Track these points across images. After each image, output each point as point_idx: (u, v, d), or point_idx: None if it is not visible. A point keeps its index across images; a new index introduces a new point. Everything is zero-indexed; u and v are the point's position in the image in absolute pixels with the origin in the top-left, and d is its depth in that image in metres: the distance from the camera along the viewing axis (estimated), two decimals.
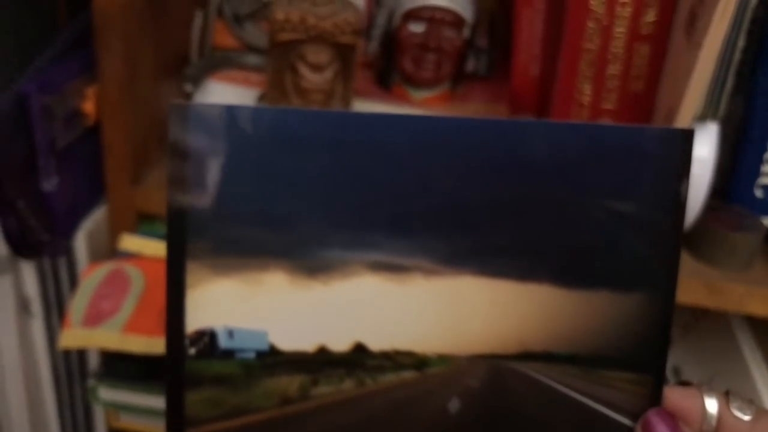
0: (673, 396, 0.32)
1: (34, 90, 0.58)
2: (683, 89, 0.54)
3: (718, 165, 0.58)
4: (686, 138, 0.32)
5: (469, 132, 0.31)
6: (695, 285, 0.59)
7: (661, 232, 0.32)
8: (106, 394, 0.61)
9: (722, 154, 0.59)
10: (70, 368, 0.71)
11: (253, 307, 0.31)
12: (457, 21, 0.68)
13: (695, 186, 0.57)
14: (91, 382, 0.61)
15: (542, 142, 0.31)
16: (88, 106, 0.64)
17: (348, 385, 0.32)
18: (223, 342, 0.31)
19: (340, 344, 0.31)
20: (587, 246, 0.32)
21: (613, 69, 0.60)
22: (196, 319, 0.31)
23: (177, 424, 0.31)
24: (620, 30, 0.59)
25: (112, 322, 0.57)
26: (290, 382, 0.32)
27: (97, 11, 0.60)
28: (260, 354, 0.31)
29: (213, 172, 0.30)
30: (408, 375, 0.32)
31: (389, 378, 0.32)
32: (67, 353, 0.69)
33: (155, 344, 0.56)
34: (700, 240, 0.60)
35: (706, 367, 0.68)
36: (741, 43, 0.55)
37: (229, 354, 0.31)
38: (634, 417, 0.32)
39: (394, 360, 0.32)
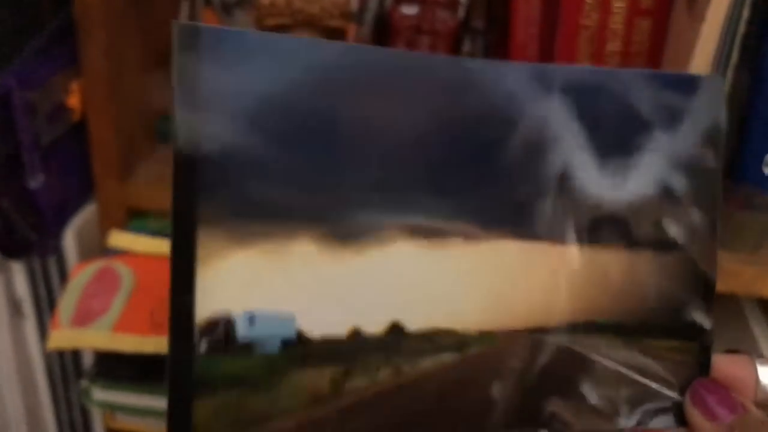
0: (723, 364, 0.31)
1: (16, 85, 0.57)
2: (686, 65, 0.52)
3: (725, 143, 0.56)
4: (716, 85, 0.31)
5: (507, 81, 0.29)
6: None
7: (700, 184, 0.31)
8: (100, 394, 0.60)
9: (729, 132, 0.57)
10: (65, 369, 0.69)
11: (277, 283, 0.26)
12: (451, 2, 0.66)
13: None
14: (83, 383, 0.60)
15: (579, 94, 0.30)
16: (74, 101, 0.62)
17: (384, 375, 0.28)
18: (243, 330, 0.25)
19: (375, 325, 0.27)
20: (623, 206, 0.30)
21: (613, 46, 0.58)
22: (208, 304, 0.25)
23: None
24: (619, 5, 0.57)
25: (102, 321, 0.55)
26: (320, 377, 0.27)
27: (78, 2, 0.58)
28: (286, 344, 0.26)
29: (228, 114, 0.25)
30: (448, 358, 0.29)
31: (428, 363, 0.28)
32: (61, 353, 0.68)
33: (146, 343, 0.54)
34: None
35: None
36: (746, 14, 0.52)
37: (248, 348, 0.26)
38: (683, 389, 0.31)
39: (433, 341, 0.28)
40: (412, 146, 0.28)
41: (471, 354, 0.29)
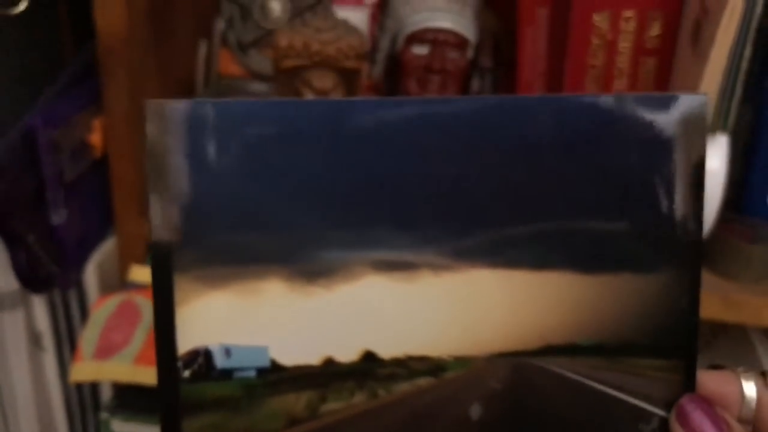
0: (708, 381, 0.31)
1: (41, 124, 0.59)
2: None
3: (730, 176, 0.57)
4: (701, 111, 0.30)
5: (471, 113, 0.29)
6: (711, 299, 0.58)
7: (682, 206, 0.30)
8: (120, 427, 0.60)
9: (733, 165, 0.58)
10: (83, 402, 0.70)
11: (251, 320, 0.29)
12: (460, 42, 0.68)
13: (707, 198, 0.56)
14: (103, 415, 0.60)
15: (549, 119, 0.29)
16: (95, 138, 0.64)
17: (359, 399, 0.30)
18: (220, 361, 0.29)
19: (347, 354, 0.29)
20: (605, 226, 0.30)
21: (620, 84, 0.60)
22: (188, 338, 0.28)
23: None
24: (625, 45, 0.59)
25: (124, 353, 0.56)
26: (296, 400, 0.29)
27: (101, 42, 0.60)
28: (261, 371, 0.29)
29: (196, 174, 0.28)
30: (424, 382, 0.30)
31: (403, 387, 0.30)
32: (79, 386, 0.69)
33: None
34: (715, 253, 0.59)
35: None
36: (748, 52, 0.54)
37: (227, 374, 0.29)
38: (668, 406, 0.31)
39: (408, 367, 0.30)
40: (376, 183, 0.29)
41: (447, 377, 0.30)
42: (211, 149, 0.28)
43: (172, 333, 0.28)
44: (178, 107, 0.28)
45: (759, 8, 0.53)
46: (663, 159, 0.30)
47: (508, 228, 0.30)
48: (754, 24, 0.54)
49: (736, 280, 0.59)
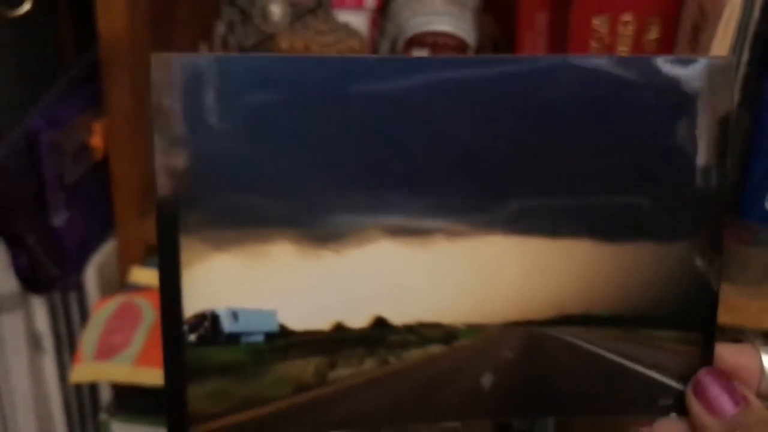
0: (727, 354, 0.30)
1: (43, 126, 0.59)
2: None
3: (728, 180, 0.58)
4: (727, 68, 0.29)
5: (487, 76, 0.28)
6: None
7: (705, 173, 0.29)
8: (119, 428, 0.60)
9: (731, 169, 0.58)
10: (82, 403, 0.70)
11: (259, 284, 0.28)
12: (460, 46, 0.68)
13: None
14: (103, 417, 0.60)
15: (569, 82, 0.28)
16: (96, 141, 0.64)
17: (369, 365, 0.29)
18: (227, 325, 0.28)
19: (358, 320, 0.28)
20: (626, 194, 0.29)
21: None
22: (194, 302, 0.27)
23: (179, 421, 0.28)
24: (624, 48, 0.59)
25: (124, 355, 0.56)
26: (305, 366, 0.28)
27: (103, 45, 0.60)
28: (269, 336, 0.28)
29: (203, 133, 0.27)
30: (435, 350, 0.29)
31: (415, 354, 0.29)
32: (78, 388, 0.69)
33: None
34: None
35: None
36: (745, 56, 0.55)
37: (234, 338, 0.28)
38: (685, 379, 0.30)
39: (419, 334, 0.29)
40: (389, 147, 0.28)
41: (459, 345, 0.29)
42: (217, 106, 0.27)
43: (178, 296, 0.27)
44: (184, 62, 0.27)
45: (756, 13, 0.54)
46: (687, 122, 0.29)
47: (524, 194, 0.29)
48: (752, 28, 0.54)
49: (734, 284, 0.59)
